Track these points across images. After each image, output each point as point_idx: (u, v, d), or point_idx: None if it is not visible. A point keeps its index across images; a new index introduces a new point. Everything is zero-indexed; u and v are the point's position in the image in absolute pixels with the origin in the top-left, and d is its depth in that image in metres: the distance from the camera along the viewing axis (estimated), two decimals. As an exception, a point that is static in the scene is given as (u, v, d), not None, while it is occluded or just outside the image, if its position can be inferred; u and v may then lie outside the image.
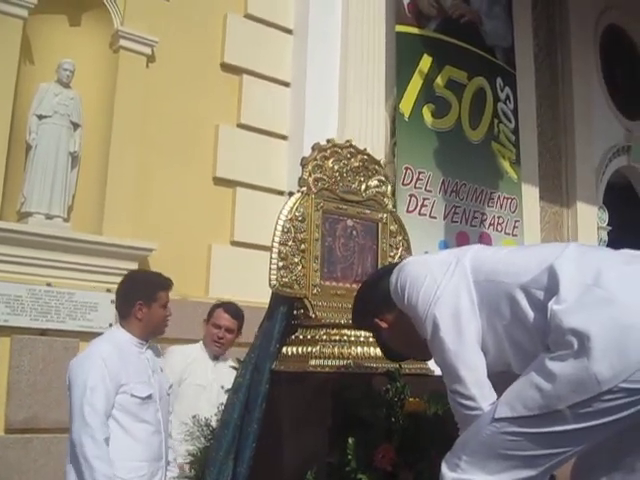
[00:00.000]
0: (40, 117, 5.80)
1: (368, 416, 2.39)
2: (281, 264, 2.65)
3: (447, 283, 2.06)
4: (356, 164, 2.92)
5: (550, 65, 9.16)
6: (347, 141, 3.00)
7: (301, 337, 2.76)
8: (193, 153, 6.53)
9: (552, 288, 1.89)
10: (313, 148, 2.84)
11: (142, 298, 3.59)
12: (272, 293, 2.73)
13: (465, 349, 2.00)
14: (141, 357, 3.59)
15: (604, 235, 9.26)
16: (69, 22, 6.17)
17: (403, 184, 7.04)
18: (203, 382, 4.35)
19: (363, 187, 2.93)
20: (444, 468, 1.95)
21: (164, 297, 3.64)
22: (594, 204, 9.27)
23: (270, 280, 2.65)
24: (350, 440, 2.32)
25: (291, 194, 2.83)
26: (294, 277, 2.68)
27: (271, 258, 2.64)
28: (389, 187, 3.01)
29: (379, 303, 2.27)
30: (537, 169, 8.46)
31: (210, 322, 4.47)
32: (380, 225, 2.97)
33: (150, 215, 6.16)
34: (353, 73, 6.98)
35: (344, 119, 6.89)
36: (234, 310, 4.49)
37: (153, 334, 3.72)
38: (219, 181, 6.65)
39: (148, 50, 6.30)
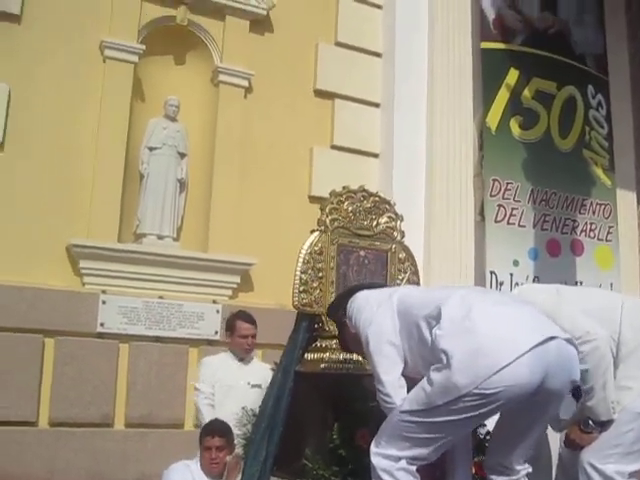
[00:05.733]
0: (151, 149, 6.61)
1: (353, 407, 3.08)
2: (302, 288, 3.23)
3: (378, 313, 2.86)
4: (368, 205, 3.50)
5: (647, 67, 9.03)
6: (360, 186, 3.54)
7: (318, 345, 3.38)
8: (289, 174, 7.10)
9: (439, 319, 2.66)
10: (330, 194, 3.41)
11: (200, 437, 4.30)
12: (297, 312, 3.27)
13: (384, 360, 2.79)
14: None
15: None
16: (174, 61, 6.92)
17: (491, 195, 7.23)
18: (231, 382, 5.00)
19: (374, 224, 3.50)
20: (372, 445, 2.74)
21: (208, 442, 4.22)
22: (695, 207, 9.04)
23: (293, 301, 3.19)
24: (336, 425, 3.05)
25: (313, 232, 3.36)
26: (313, 298, 3.27)
27: (294, 283, 3.18)
28: (398, 222, 3.50)
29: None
30: (634, 174, 8.41)
31: (235, 335, 5.07)
32: (389, 254, 3.51)
33: (251, 233, 6.77)
34: (440, 90, 7.28)
35: (432, 135, 7.24)
36: (250, 318, 5.10)
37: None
38: (315, 199, 7.16)
39: (245, 82, 6.95)
